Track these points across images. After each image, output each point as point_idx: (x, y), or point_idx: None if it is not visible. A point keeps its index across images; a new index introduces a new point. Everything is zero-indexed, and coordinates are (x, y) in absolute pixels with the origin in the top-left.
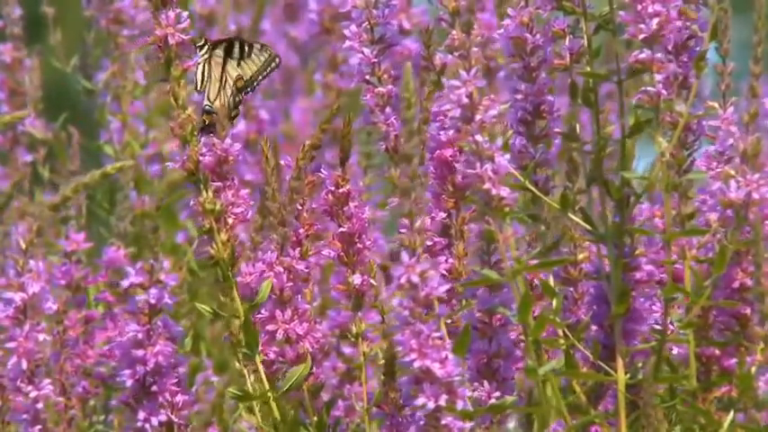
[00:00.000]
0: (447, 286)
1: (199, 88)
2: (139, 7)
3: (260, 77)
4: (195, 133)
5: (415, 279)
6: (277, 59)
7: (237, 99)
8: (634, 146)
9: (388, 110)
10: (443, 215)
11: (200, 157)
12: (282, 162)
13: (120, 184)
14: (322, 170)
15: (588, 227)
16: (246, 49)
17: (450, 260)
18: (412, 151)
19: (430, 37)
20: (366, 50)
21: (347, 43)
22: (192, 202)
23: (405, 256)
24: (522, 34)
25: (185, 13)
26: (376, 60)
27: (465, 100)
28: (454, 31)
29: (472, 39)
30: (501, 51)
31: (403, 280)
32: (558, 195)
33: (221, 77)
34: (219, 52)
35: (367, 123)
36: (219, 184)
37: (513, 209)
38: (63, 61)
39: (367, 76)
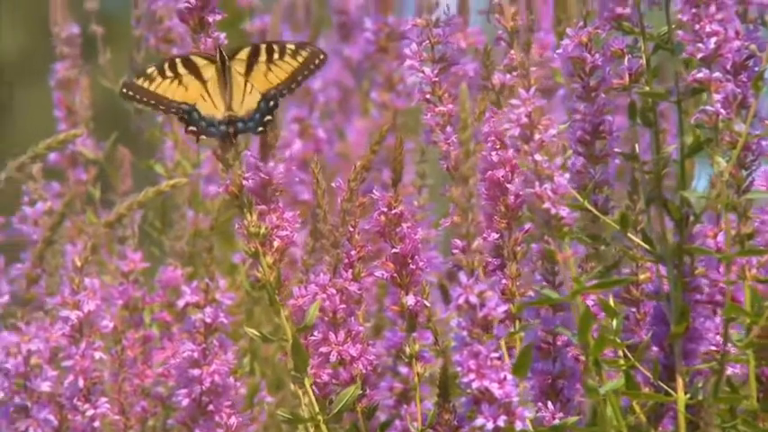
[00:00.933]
0: (505, 307)
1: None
2: None
3: (300, 78)
4: (239, 156)
5: (474, 300)
6: (321, 56)
7: (271, 105)
8: (693, 166)
9: (448, 129)
10: (496, 236)
11: (244, 181)
12: (334, 184)
13: (174, 203)
14: (374, 191)
15: (647, 247)
16: (277, 50)
17: (504, 281)
18: (469, 171)
19: (489, 56)
20: (427, 69)
21: (407, 62)
22: (237, 226)
23: (462, 277)
24: (580, 54)
25: (223, 35)
26: (437, 80)
27: (524, 119)
28: (513, 51)
29: (531, 58)
30: (558, 70)
31: (461, 301)
32: (617, 215)
33: (244, 85)
34: (242, 57)
35: (428, 143)
36: (264, 207)
37: (572, 229)
38: (113, 81)
39: (428, 96)
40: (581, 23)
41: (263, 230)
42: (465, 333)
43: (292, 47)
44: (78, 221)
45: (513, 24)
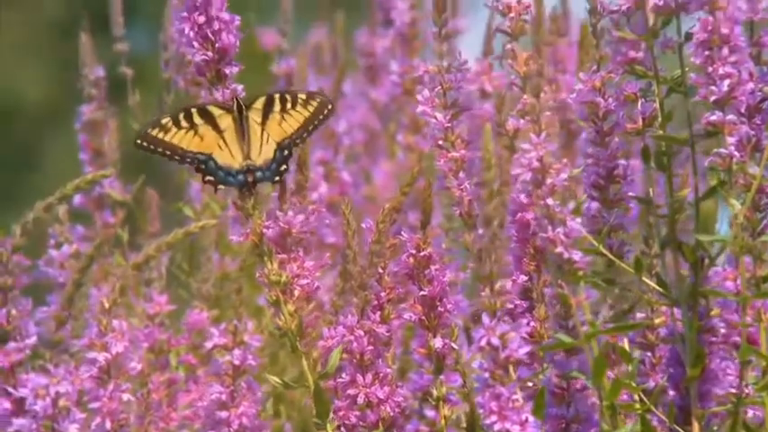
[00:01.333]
0: (527, 349)
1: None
2: None
3: (310, 127)
4: (259, 205)
5: (496, 341)
6: (329, 106)
7: (286, 154)
8: (716, 208)
9: (461, 175)
10: (525, 278)
11: (264, 230)
12: (364, 225)
13: (201, 245)
14: (403, 233)
15: (662, 290)
16: (290, 100)
17: (532, 323)
18: (493, 213)
19: (502, 101)
20: (439, 115)
21: (419, 108)
22: (258, 274)
23: (485, 319)
24: (594, 98)
25: (240, 87)
26: (449, 125)
27: (536, 164)
28: (525, 96)
29: (542, 102)
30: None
31: (483, 342)
32: (632, 259)
33: (261, 135)
34: (258, 107)
35: (441, 188)
36: (284, 256)
37: (586, 273)
38: (141, 122)
39: (440, 141)
40: (594, 67)
41: (283, 279)
42: (487, 375)
43: (303, 96)
44: (105, 264)
45: (526, 69)
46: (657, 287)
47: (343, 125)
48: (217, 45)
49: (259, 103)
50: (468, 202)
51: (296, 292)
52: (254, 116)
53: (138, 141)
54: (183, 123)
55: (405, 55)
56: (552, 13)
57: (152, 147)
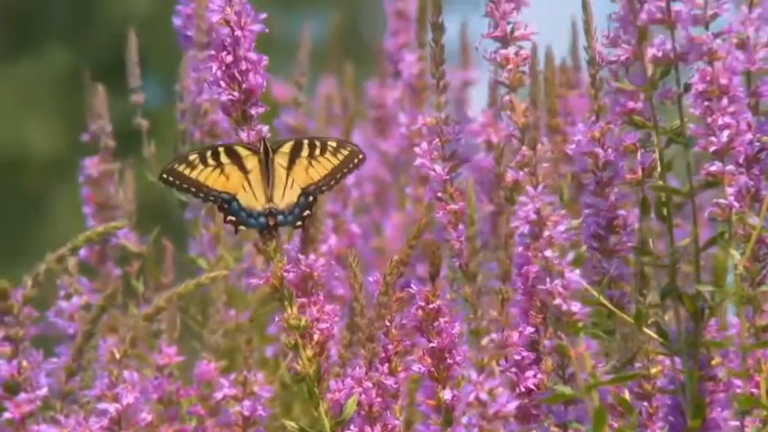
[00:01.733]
0: (515, 403)
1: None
2: None
3: (338, 175)
4: (280, 249)
5: (484, 396)
6: (360, 156)
7: (310, 200)
8: (726, 258)
9: (460, 227)
10: (531, 330)
11: (285, 273)
12: (371, 278)
13: (212, 297)
14: (412, 285)
15: (663, 340)
16: (319, 146)
17: (539, 375)
18: (477, 269)
19: (501, 154)
20: (437, 167)
21: (418, 161)
22: (277, 318)
23: (473, 374)
24: (593, 149)
25: (266, 128)
26: (447, 177)
27: (533, 216)
28: (524, 147)
29: (539, 154)
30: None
31: (471, 397)
32: (633, 310)
33: (286, 179)
34: (285, 151)
35: (440, 239)
36: (304, 299)
37: (586, 324)
38: (157, 174)
39: (439, 194)
40: (593, 118)
41: (303, 323)
42: (476, 430)
43: (334, 144)
44: (116, 315)
45: (524, 121)
46: (658, 337)
47: (351, 177)
48: (243, 85)
49: (287, 147)
50: (467, 254)
51: (315, 337)
52: (281, 160)
53: (164, 176)
54: (210, 161)
55: (413, 107)
56: (562, 65)
57: (177, 182)
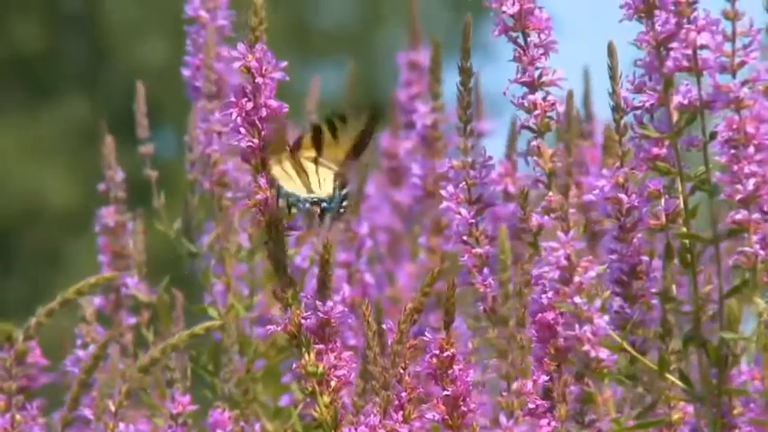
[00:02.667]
0: None
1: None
2: (243, 170)
3: (364, 143)
4: (298, 296)
5: None
6: (375, 117)
7: (344, 192)
8: (740, 307)
9: (485, 271)
10: (546, 378)
11: (303, 320)
12: (385, 326)
13: (224, 346)
14: (426, 334)
15: (686, 387)
16: (339, 122)
17: (553, 423)
18: (508, 313)
19: (526, 198)
20: (463, 211)
21: (444, 204)
22: (294, 365)
23: (502, 419)
24: (617, 195)
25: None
26: (473, 221)
27: (563, 262)
28: (551, 193)
29: (570, 200)
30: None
31: None
32: (657, 356)
33: (316, 169)
34: (307, 143)
35: (464, 284)
36: (322, 346)
37: (611, 370)
38: (167, 224)
39: (464, 237)
40: (617, 164)
41: (320, 370)
42: None
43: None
44: (128, 365)
45: (551, 166)
46: (681, 383)
47: (365, 227)
48: (263, 132)
49: (307, 140)
50: (492, 298)
51: (332, 383)
52: (307, 154)
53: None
54: None
55: (427, 157)
56: (575, 116)
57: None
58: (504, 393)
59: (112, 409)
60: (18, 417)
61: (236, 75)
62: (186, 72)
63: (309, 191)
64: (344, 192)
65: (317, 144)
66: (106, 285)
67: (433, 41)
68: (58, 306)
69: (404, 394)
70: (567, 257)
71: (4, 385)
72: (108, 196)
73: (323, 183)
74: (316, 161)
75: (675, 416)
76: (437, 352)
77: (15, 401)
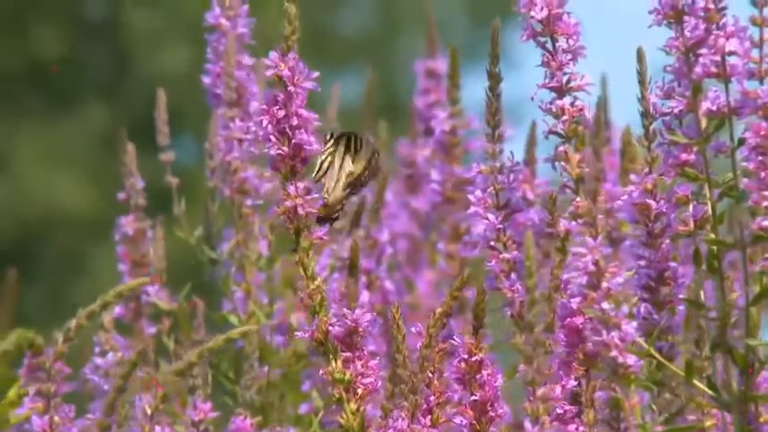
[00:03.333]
0: None
1: (316, 178)
2: (264, 177)
3: (366, 175)
4: (324, 303)
5: None
6: (377, 155)
7: (346, 195)
8: (760, 313)
9: (513, 276)
10: (574, 383)
11: (330, 327)
12: (413, 330)
13: (246, 353)
14: (455, 338)
15: (713, 393)
16: (360, 144)
17: (581, 428)
18: (535, 319)
19: (554, 203)
20: (491, 216)
21: (472, 209)
22: (320, 372)
23: (527, 425)
24: (645, 200)
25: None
26: (501, 226)
27: (591, 267)
28: (578, 198)
29: (598, 206)
30: (625, 221)
31: None
32: (683, 362)
33: (338, 172)
34: (342, 147)
35: (491, 289)
36: (349, 354)
37: (638, 376)
38: (187, 232)
39: (492, 242)
40: (646, 170)
41: (347, 377)
42: None
43: (366, 142)
44: (149, 372)
45: (578, 172)
46: (708, 390)
47: (385, 234)
48: (293, 141)
49: (343, 142)
50: (519, 303)
51: (359, 391)
52: (340, 153)
53: None
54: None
55: (445, 163)
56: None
57: None
58: (531, 399)
59: (149, 412)
60: (56, 418)
61: (256, 83)
62: (206, 80)
63: (325, 192)
64: (346, 195)
65: (346, 151)
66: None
67: (450, 47)
68: (99, 309)
69: (432, 398)
70: (595, 263)
71: (43, 387)
72: (128, 204)
73: (337, 186)
74: (341, 163)
75: (708, 422)
76: (465, 356)
77: (54, 403)
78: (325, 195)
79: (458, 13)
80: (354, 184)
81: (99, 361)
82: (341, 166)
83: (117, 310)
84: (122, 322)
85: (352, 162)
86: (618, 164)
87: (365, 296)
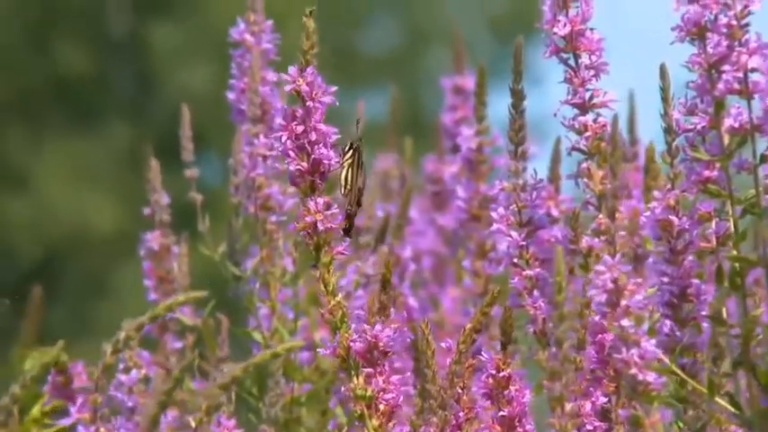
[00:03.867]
0: None
1: (343, 192)
2: (288, 194)
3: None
4: (346, 320)
5: None
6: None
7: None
8: None
9: (535, 293)
10: (604, 399)
11: (351, 343)
12: (444, 345)
13: (270, 370)
14: (483, 353)
15: (735, 410)
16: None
17: None
18: (564, 335)
19: (576, 220)
20: (514, 233)
21: (494, 226)
22: (342, 389)
23: None
24: (668, 217)
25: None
26: (524, 243)
27: (610, 285)
28: (600, 215)
29: (617, 223)
30: (648, 238)
31: None
32: (705, 379)
33: (352, 181)
34: (357, 157)
35: (514, 306)
36: (370, 369)
37: (659, 393)
38: (211, 248)
39: (515, 259)
40: (668, 186)
41: (369, 393)
42: None
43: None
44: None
45: (601, 188)
46: (730, 407)
47: (408, 251)
48: (312, 156)
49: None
50: (542, 320)
51: (381, 407)
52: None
53: None
54: None
55: (471, 180)
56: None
57: None
58: (559, 415)
59: (193, 425)
60: (103, 430)
61: (279, 99)
62: (231, 95)
63: (349, 204)
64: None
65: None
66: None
67: (478, 65)
68: (148, 321)
69: (461, 414)
70: (614, 281)
71: (90, 397)
72: (153, 220)
73: (357, 195)
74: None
75: None
76: (494, 372)
77: (101, 414)
78: (349, 208)
79: (481, 30)
80: (362, 193)
81: (123, 378)
82: (356, 177)
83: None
84: (146, 337)
85: (359, 169)
86: (642, 181)
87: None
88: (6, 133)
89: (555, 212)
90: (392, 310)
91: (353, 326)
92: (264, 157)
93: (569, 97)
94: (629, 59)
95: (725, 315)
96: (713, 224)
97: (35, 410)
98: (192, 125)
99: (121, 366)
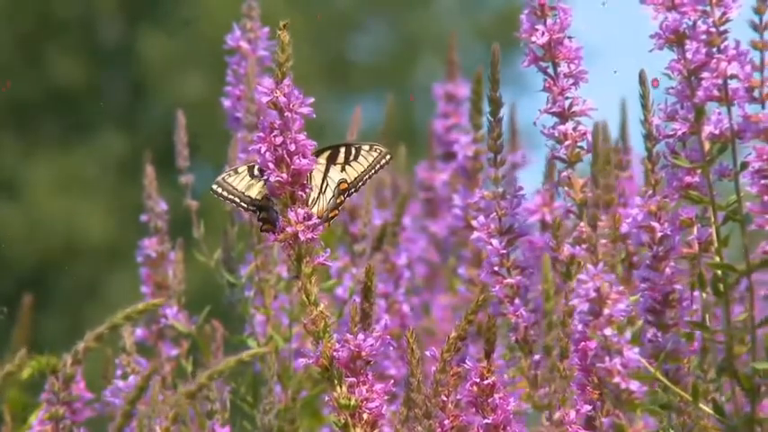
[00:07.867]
0: None
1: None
2: None
3: (366, 176)
4: (329, 329)
5: None
6: (387, 156)
7: (339, 201)
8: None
9: (517, 301)
10: (588, 407)
11: (334, 353)
12: (428, 353)
13: (264, 377)
14: (467, 362)
15: (719, 417)
16: (354, 152)
17: None
18: (551, 343)
19: (558, 228)
20: (494, 241)
21: (475, 234)
22: (327, 398)
23: None
24: (650, 223)
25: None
26: (505, 251)
27: (593, 294)
28: (582, 223)
29: (599, 233)
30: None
31: None
32: (689, 385)
33: (321, 184)
34: (322, 160)
35: (495, 314)
36: (354, 379)
37: (642, 401)
38: (206, 255)
39: (496, 267)
40: (650, 192)
41: (352, 402)
42: None
43: (367, 147)
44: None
45: (582, 197)
46: (714, 413)
47: (403, 258)
48: (292, 167)
49: (323, 156)
50: (523, 328)
51: (364, 416)
52: (319, 167)
53: (214, 187)
54: (257, 173)
55: (467, 188)
56: (614, 147)
57: (225, 193)
58: (546, 423)
59: None
60: None
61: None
62: (227, 102)
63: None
64: (338, 201)
65: (329, 163)
66: (149, 316)
67: (475, 73)
68: (107, 331)
69: (446, 422)
70: (597, 290)
71: (51, 410)
72: (149, 227)
73: (321, 197)
74: (324, 174)
75: None
76: (478, 380)
77: (62, 426)
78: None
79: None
80: (348, 190)
81: (120, 384)
82: (324, 177)
83: (138, 332)
84: (144, 345)
85: (342, 171)
86: (635, 189)
87: (386, 319)
88: None
89: (549, 219)
90: (386, 317)
91: (336, 336)
92: None
93: (548, 106)
94: (626, 66)
95: (709, 322)
96: (695, 230)
97: (32, 418)
98: (185, 134)
99: (119, 373)
